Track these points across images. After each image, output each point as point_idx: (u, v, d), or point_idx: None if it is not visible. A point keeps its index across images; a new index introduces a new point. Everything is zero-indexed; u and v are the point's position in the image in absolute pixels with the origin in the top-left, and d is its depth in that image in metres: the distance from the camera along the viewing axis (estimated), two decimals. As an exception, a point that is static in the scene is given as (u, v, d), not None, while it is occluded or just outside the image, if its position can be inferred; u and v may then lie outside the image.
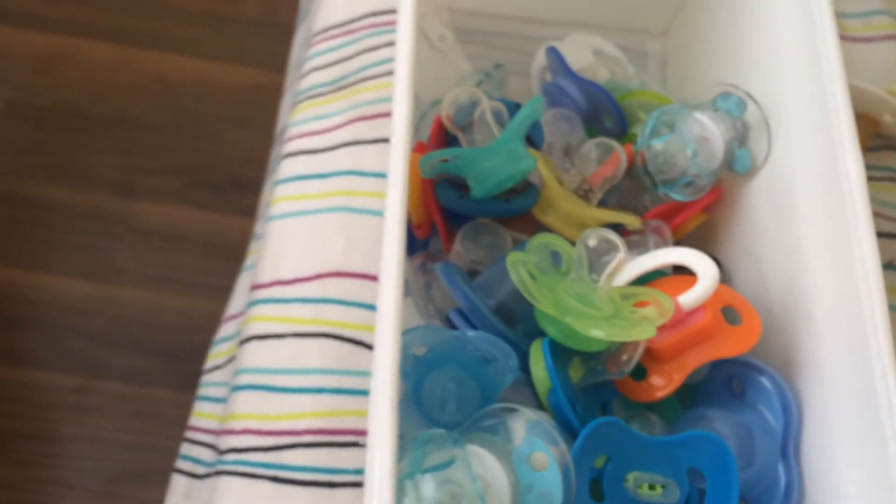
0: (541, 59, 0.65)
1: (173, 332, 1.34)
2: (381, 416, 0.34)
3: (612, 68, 0.64)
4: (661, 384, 0.46)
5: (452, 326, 0.46)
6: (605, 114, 0.61)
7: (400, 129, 0.43)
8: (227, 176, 1.46)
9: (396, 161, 0.42)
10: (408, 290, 0.49)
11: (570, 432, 0.43)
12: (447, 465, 0.35)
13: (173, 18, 1.58)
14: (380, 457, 0.33)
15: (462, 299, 0.44)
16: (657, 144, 0.53)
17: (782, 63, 0.54)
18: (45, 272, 1.37)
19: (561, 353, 0.45)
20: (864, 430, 0.41)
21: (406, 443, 0.40)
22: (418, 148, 0.54)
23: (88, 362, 1.32)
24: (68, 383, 1.30)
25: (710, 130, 0.54)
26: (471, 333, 0.42)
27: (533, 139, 0.55)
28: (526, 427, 0.40)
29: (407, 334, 0.41)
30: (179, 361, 1.31)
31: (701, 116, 0.54)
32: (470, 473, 0.35)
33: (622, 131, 0.61)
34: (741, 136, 0.55)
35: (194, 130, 1.51)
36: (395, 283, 0.37)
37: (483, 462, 0.37)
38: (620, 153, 0.53)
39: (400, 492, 0.34)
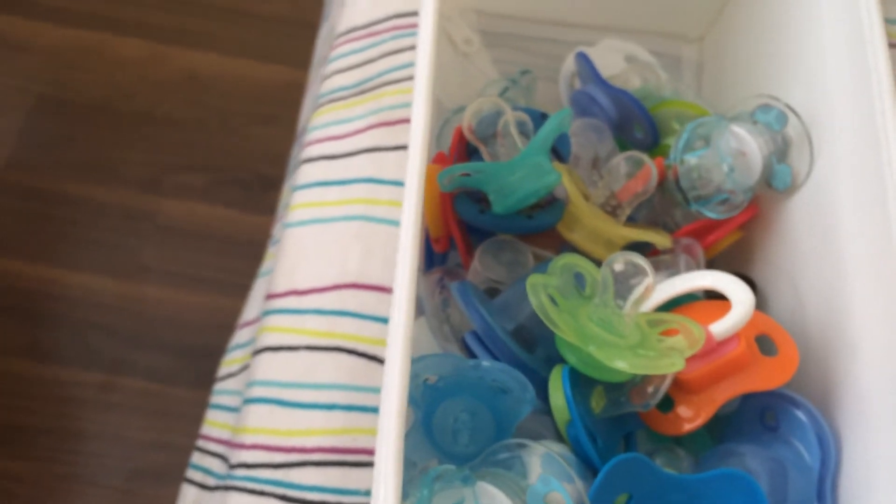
0: (570, 64, 0.63)
1: (197, 330, 1.33)
2: (385, 453, 0.32)
3: (644, 75, 0.61)
4: (689, 416, 0.43)
5: (468, 349, 0.43)
6: (637, 124, 0.58)
7: (417, 145, 0.41)
8: (253, 174, 1.45)
9: (412, 180, 0.40)
10: (421, 310, 0.47)
11: (589, 466, 0.41)
12: (455, 506, 0.33)
13: (203, 15, 1.58)
14: (383, 495, 0.31)
15: (477, 322, 0.41)
16: (691, 159, 0.50)
17: (826, 73, 0.50)
18: (70, 269, 1.37)
19: (583, 381, 0.42)
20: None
21: (416, 472, 0.38)
22: (438, 158, 0.52)
23: (112, 359, 1.32)
24: (91, 380, 1.30)
25: (748, 144, 0.51)
26: (485, 363, 0.39)
27: (559, 151, 0.52)
28: (542, 463, 0.38)
29: (418, 362, 0.38)
30: (203, 360, 1.30)
31: (738, 129, 0.51)
32: (479, 515, 0.33)
33: (654, 142, 0.58)
34: (781, 151, 0.52)
35: (222, 127, 1.50)
36: (405, 314, 0.35)
37: (494, 501, 0.35)
38: (651, 168, 0.50)
39: (403, 535, 0.32)
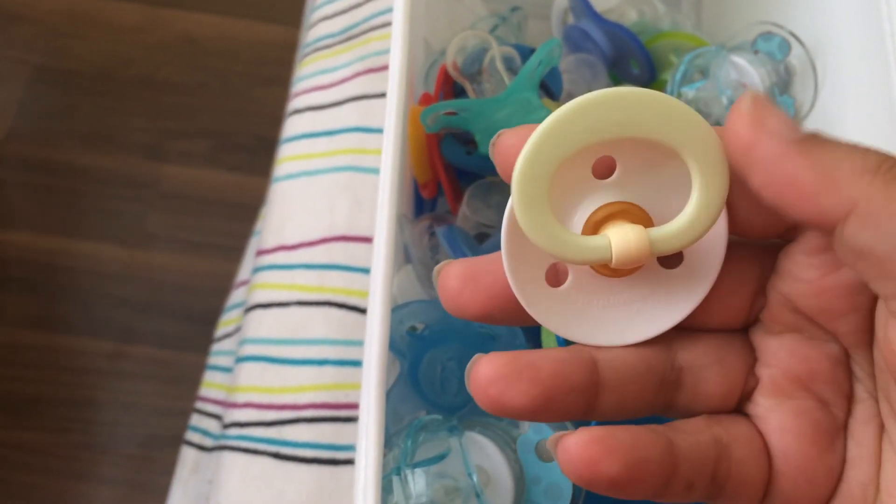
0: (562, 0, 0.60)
1: (205, 295, 1.32)
2: (366, 405, 0.30)
3: (641, 8, 0.58)
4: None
5: (457, 296, 0.41)
6: (633, 59, 0.55)
7: (396, 79, 0.39)
8: (256, 136, 1.43)
9: (391, 117, 0.38)
10: (409, 257, 0.45)
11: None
12: (441, 457, 0.31)
13: (198, -24, 1.55)
14: (364, 450, 0.30)
15: (463, 267, 0.39)
16: (688, 92, 0.48)
17: (832, -4, 0.47)
18: (76, 238, 1.36)
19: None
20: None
21: (404, 426, 0.36)
22: (424, 100, 0.50)
23: (121, 328, 1.31)
24: (102, 349, 1.30)
25: (748, 76, 0.48)
26: (470, 307, 0.37)
27: (550, 88, 0.50)
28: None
29: (402, 309, 0.37)
30: (212, 325, 1.30)
31: (739, 60, 0.49)
32: (466, 466, 0.31)
33: (651, 78, 0.55)
34: (784, 82, 0.49)
35: (223, 90, 1.48)
36: (384, 261, 0.33)
37: (483, 451, 0.33)
38: (646, 102, 0.48)
39: (386, 489, 0.31)
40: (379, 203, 0.36)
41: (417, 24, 0.55)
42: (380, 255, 0.34)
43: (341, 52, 0.64)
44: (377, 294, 0.33)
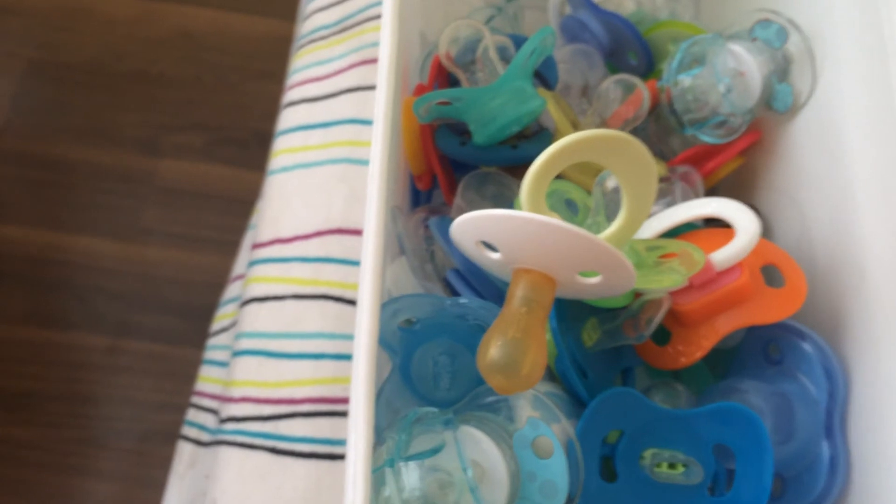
0: (559, -10, 0.59)
1: (201, 290, 1.32)
2: (355, 400, 0.30)
3: (638, -2, 0.58)
4: (687, 350, 0.41)
5: (451, 288, 0.41)
6: (630, 50, 0.55)
7: (386, 67, 0.39)
8: (251, 131, 1.42)
9: (381, 105, 0.37)
10: (402, 249, 0.45)
11: (581, 403, 0.39)
12: (435, 450, 0.31)
13: (193, -31, 1.54)
14: (354, 443, 0.29)
15: (457, 258, 0.39)
16: (685, 80, 0.47)
17: (830, -17, 0.47)
18: (71, 233, 1.35)
19: (574, 315, 0.40)
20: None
21: (398, 419, 0.35)
22: (418, 90, 0.49)
23: (118, 323, 1.31)
24: (98, 344, 1.29)
25: (746, 63, 0.48)
26: (465, 300, 0.37)
27: (545, 78, 0.49)
28: (531, 404, 0.35)
29: (391, 304, 0.36)
30: (207, 320, 1.29)
31: (736, 47, 0.48)
32: (461, 461, 0.31)
33: (649, 69, 0.55)
34: (782, 70, 0.49)
35: (217, 84, 1.47)
36: (373, 254, 0.33)
37: (479, 446, 0.33)
38: (643, 91, 0.47)
39: (378, 481, 0.30)
40: (368, 195, 0.35)
41: (412, 16, 0.54)
42: (369, 246, 0.33)
43: (336, 43, 0.63)
44: (366, 285, 0.32)
